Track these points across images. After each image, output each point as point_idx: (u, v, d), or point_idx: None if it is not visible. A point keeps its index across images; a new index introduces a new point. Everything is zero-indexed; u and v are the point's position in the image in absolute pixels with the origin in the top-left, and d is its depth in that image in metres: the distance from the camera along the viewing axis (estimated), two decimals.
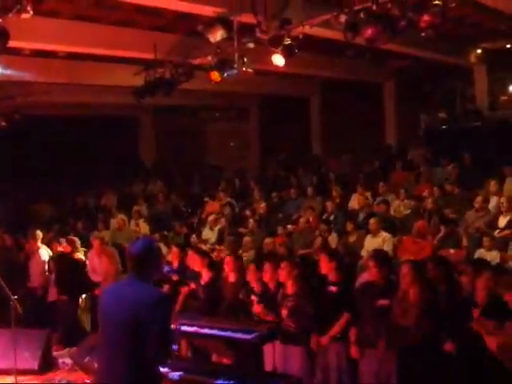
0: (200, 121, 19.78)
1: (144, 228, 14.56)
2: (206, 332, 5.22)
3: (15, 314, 8.00)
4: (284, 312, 6.82)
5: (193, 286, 8.00)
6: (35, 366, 8.86)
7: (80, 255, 11.35)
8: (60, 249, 11.50)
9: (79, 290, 10.97)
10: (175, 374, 4.71)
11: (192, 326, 5.23)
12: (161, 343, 4.12)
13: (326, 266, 6.89)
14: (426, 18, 8.20)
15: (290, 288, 6.97)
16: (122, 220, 14.18)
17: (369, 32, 9.09)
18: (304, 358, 6.74)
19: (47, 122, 17.18)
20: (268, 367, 6.29)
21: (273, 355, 6.45)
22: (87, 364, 8.56)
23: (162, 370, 4.50)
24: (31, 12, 8.35)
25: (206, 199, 15.63)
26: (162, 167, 19.55)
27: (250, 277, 7.52)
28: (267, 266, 7.33)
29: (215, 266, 8.55)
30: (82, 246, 11.75)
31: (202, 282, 7.99)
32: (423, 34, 8.42)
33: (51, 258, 11.77)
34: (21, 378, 8.21)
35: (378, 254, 7.30)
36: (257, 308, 7.18)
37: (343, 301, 6.77)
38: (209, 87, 14.03)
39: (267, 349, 6.30)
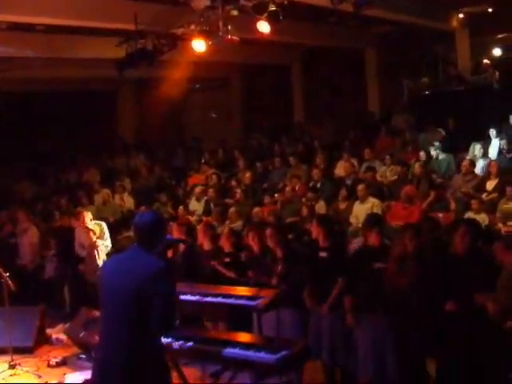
0: (180, 92, 19.53)
1: (129, 202, 14.49)
2: (209, 300, 5.19)
3: (8, 292, 7.93)
4: (275, 277, 6.86)
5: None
6: (30, 343, 8.80)
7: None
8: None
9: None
10: (181, 344, 4.68)
11: (194, 294, 5.21)
12: (164, 315, 4.10)
13: (316, 232, 6.87)
14: None
15: (278, 253, 7.00)
16: (107, 194, 14.10)
17: None
18: (296, 320, 6.78)
19: (26, 98, 16.92)
20: (269, 332, 6.33)
21: (275, 320, 6.50)
22: (82, 339, 8.55)
23: (165, 340, 4.48)
24: None
25: (190, 172, 15.55)
26: (143, 141, 19.37)
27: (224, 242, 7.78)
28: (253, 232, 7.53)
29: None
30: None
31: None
32: None
33: (50, 234, 11.70)
34: (16, 356, 8.14)
35: (373, 218, 7.30)
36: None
37: (336, 266, 6.76)
38: (189, 58, 13.91)
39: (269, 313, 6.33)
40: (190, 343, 4.70)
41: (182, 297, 4.68)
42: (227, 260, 7.61)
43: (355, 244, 8.10)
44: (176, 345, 4.73)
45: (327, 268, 6.68)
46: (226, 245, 7.86)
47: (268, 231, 7.23)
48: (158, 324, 4.09)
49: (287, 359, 4.47)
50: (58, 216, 12.76)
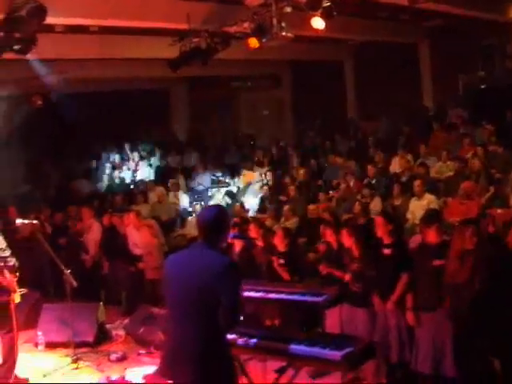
0: (232, 90, 19.61)
1: (183, 199, 14.62)
2: (273, 297, 5.20)
3: (70, 288, 8.08)
4: (348, 275, 6.87)
5: None
6: (91, 338, 8.95)
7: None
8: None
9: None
10: (245, 340, 4.69)
11: (258, 291, 5.22)
12: (230, 311, 4.11)
13: (381, 229, 6.81)
14: None
15: (354, 252, 6.99)
16: (162, 193, 14.24)
17: None
18: (367, 319, 6.77)
19: (82, 99, 17.19)
20: (333, 329, 6.32)
21: (339, 317, 6.48)
22: (141, 335, 8.67)
23: (229, 336, 4.49)
24: None
25: (244, 169, 15.60)
26: (196, 139, 19.50)
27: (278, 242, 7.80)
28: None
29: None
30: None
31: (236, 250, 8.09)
32: None
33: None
34: (78, 351, 8.30)
35: (432, 214, 7.21)
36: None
37: (399, 262, 6.71)
38: (242, 55, 13.96)
39: (333, 311, 6.31)
40: (255, 339, 4.69)
41: (245, 293, 4.67)
42: (282, 261, 7.58)
43: (415, 240, 7.98)
44: (240, 341, 4.73)
45: (391, 265, 6.63)
46: (280, 245, 7.82)
47: (345, 231, 7.21)
48: (224, 320, 4.10)
49: (352, 356, 4.44)
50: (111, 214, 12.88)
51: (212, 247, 4.27)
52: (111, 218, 12.07)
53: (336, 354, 4.39)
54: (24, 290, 7.56)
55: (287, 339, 4.67)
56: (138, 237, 10.91)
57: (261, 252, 8.12)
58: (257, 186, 13.51)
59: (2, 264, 7.28)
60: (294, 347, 4.55)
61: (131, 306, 10.36)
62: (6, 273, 7.29)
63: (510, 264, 6.15)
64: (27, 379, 7.68)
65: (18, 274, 7.45)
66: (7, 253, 7.36)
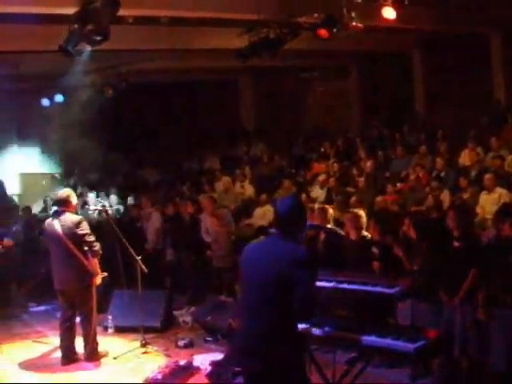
0: (299, 81, 19.56)
1: (249, 189, 14.69)
2: (345, 287, 5.19)
3: (141, 274, 8.26)
4: (415, 268, 6.79)
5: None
6: (158, 324, 9.14)
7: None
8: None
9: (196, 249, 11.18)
10: (320, 330, 4.70)
11: (330, 281, 5.22)
12: (305, 302, 4.12)
13: (452, 222, 6.70)
14: None
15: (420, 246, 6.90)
16: (228, 182, 14.35)
17: None
18: (431, 313, 6.67)
19: (151, 89, 17.48)
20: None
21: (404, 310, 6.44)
22: (209, 322, 8.79)
23: (300, 325, 4.51)
24: None
25: (311, 160, 15.56)
26: (263, 130, 19.55)
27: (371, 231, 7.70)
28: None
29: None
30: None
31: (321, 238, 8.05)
32: None
33: (169, 220, 12.09)
34: (147, 336, 8.48)
35: (506, 209, 7.07)
36: (375, 264, 7.32)
37: (470, 257, 6.58)
38: (309, 46, 13.89)
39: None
40: (324, 329, 4.69)
41: (317, 283, 4.66)
42: (375, 250, 7.51)
43: (488, 234, 7.83)
44: (312, 330, 4.74)
45: (460, 259, 6.51)
46: (373, 234, 7.78)
47: (408, 222, 7.17)
48: (299, 311, 4.12)
49: (425, 349, 4.39)
50: (177, 202, 13.02)
51: (288, 237, 4.28)
52: (176, 205, 12.24)
53: (409, 347, 4.35)
54: (105, 274, 7.85)
55: (358, 330, 4.65)
56: (209, 224, 11.03)
57: (351, 244, 8.03)
58: (323, 177, 13.44)
59: (87, 248, 7.64)
60: (366, 338, 4.52)
61: (196, 295, 10.52)
62: (91, 257, 7.66)
63: None
64: (107, 352, 8.06)
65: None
66: (92, 238, 7.70)
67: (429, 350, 4.52)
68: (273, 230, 4.47)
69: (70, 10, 9.22)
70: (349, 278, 5.30)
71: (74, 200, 8.06)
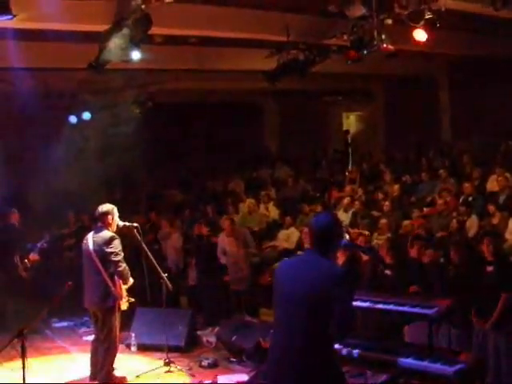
0: (324, 105, 19.55)
1: (273, 211, 14.63)
2: (381, 307, 5.08)
3: (166, 292, 8.18)
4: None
5: None
6: (182, 343, 9.07)
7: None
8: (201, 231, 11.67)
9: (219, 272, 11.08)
10: (349, 351, 4.60)
11: (365, 301, 5.12)
12: (341, 322, 4.05)
13: (487, 248, 6.62)
14: None
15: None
16: (252, 204, 14.29)
17: None
18: (463, 337, 6.56)
19: (175, 109, 17.52)
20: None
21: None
22: (234, 343, 8.69)
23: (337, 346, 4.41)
24: None
25: (335, 184, 15.50)
26: (287, 152, 19.53)
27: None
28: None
29: None
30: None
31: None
32: None
33: (191, 241, 12.02)
34: (170, 355, 8.39)
35: None
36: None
37: (502, 281, 6.48)
38: (335, 69, 13.88)
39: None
40: (358, 351, 4.59)
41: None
42: (388, 272, 7.47)
43: None
44: (343, 351, 4.64)
45: (493, 283, 6.40)
46: (386, 256, 7.73)
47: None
48: (336, 330, 4.05)
49: (464, 373, 4.28)
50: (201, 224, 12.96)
51: (324, 255, 4.22)
52: (201, 227, 12.18)
53: (448, 370, 4.24)
54: (132, 300, 7.62)
55: (392, 351, 4.54)
56: (228, 244, 10.95)
57: (365, 262, 8.01)
58: (347, 200, 13.36)
59: (112, 269, 7.42)
60: (403, 360, 4.41)
61: (212, 317, 10.44)
62: (116, 278, 7.42)
63: None
64: (125, 378, 7.82)
65: (130, 281, 7.51)
66: (118, 257, 7.43)
67: (468, 374, 4.41)
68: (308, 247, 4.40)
69: (102, 28, 9.26)
70: (385, 299, 5.20)
71: (114, 217, 7.73)
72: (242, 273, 10.81)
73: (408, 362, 4.39)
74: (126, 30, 9.00)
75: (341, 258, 7.72)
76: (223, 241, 11.16)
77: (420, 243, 8.33)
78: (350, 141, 18.87)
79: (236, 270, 10.78)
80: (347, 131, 19.73)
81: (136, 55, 9.58)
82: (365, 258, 7.76)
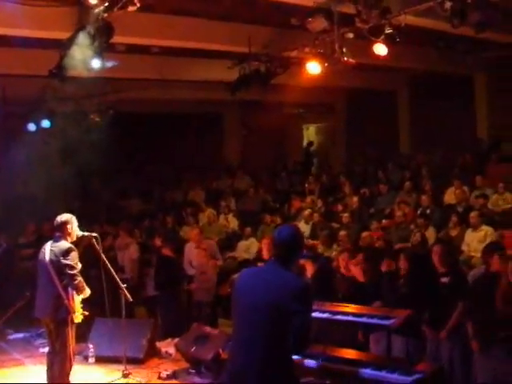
0: (285, 116, 19.67)
1: (233, 222, 14.65)
2: (340, 318, 5.12)
3: (126, 303, 8.09)
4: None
5: None
6: (141, 354, 8.96)
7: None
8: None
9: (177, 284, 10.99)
10: (314, 362, 4.62)
11: (323, 312, 5.15)
12: (300, 335, 4.07)
13: (439, 258, 6.72)
14: None
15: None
16: (213, 214, 14.29)
17: (477, 17, 8.90)
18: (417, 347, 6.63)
19: (136, 119, 17.42)
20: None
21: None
22: (193, 354, 8.63)
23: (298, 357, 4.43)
24: (138, 4, 8.51)
25: (295, 195, 15.57)
26: (247, 163, 19.57)
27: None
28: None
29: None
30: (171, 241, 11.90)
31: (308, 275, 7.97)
32: None
33: (151, 253, 11.93)
34: (129, 366, 8.30)
35: (493, 245, 7.15)
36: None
37: (457, 291, 6.59)
38: (299, 82, 13.97)
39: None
40: (319, 361, 4.62)
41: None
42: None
43: (477, 271, 7.84)
44: (305, 362, 4.66)
45: (447, 294, 6.50)
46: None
47: (402, 257, 7.20)
48: (294, 342, 4.06)
49: (422, 382, 4.34)
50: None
51: (286, 267, 4.23)
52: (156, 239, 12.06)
53: (406, 380, 4.29)
54: (86, 313, 7.47)
55: (352, 362, 4.58)
56: (195, 256, 10.91)
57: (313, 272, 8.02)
58: (308, 212, 13.43)
59: (68, 280, 7.23)
60: (362, 371, 4.45)
61: (171, 328, 10.31)
62: (70, 291, 7.25)
63: None
64: None
65: (86, 292, 7.36)
66: (74, 271, 7.23)
67: (425, 383, 4.47)
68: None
69: (64, 35, 9.18)
70: (344, 310, 5.25)
71: (73, 226, 7.50)
72: (209, 284, 10.76)
73: (367, 372, 4.44)
74: (87, 38, 8.96)
75: (309, 270, 7.82)
76: (191, 252, 11.13)
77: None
78: (311, 152, 19.02)
79: (203, 281, 10.73)
80: (311, 143, 19.89)
81: (97, 63, 9.54)
82: (310, 267, 7.71)
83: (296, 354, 4.39)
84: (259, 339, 4.10)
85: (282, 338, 4.07)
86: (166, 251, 10.98)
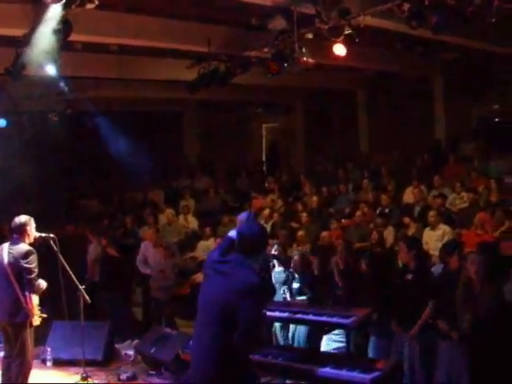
0: (244, 115, 19.68)
1: (193, 222, 14.59)
2: (300, 317, 5.13)
3: (84, 305, 7.97)
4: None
5: None
6: (99, 356, 8.86)
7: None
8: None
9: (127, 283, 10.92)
10: (269, 360, 4.61)
11: (284, 311, 5.15)
12: (245, 331, 4.06)
13: (404, 255, 6.77)
14: (496, 2, 8.04)
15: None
16: (172, 214, 14.19)
17: (434, 19, 9.01)
18: (382, 345, 6.68)
19: (95, 117, 17.22)
20: None
21: None
22: (152, 355, 8.57)
23: (258, 357, 4.42)
24: (96, 2, 8.41)
25: (254, 194, 15.56)
26: (207, 163, 19.52)
27: None
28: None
29: None
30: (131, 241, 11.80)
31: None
32: (493, 21, 8.27)
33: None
34: (88, 369, 8.19)
35: (452, 244, 7.26)
36: None
37: (424, 289, 6.64)
38: (259, 81, 14.01)
39: None
40: (279, 360, 4.62)
41: (270, 313, 4.59)
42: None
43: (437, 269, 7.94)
44: (262, 361, 4.65)
45: (413, 291, 6.56)
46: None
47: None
48: (239, 339, 4.05)
49: (380, 380, 4.37)
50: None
51: (248, 259, 4.23)
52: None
53: (364, 378, 4.32)
54: (45, 315, 7.35)
55: (312, 360, 4.59)
56: (152, 255, 10.83)
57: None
58: (267, 212, 13.43)
59: (26, 283, 7.05)
60: (321, 370, 4.47)
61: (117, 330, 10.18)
62: (28, 294, 7.09)
63: None
64: None
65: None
66: (33, 275, 7.10)
67: (383, 380, 4.50)
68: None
69: (20, 32, 9.02)
70: (304, 309, 5.26)
71: (31, 228, 7.35)
72: (167, 282, 10.68)
73: (326, 371, 4.45)
74: (44, 36, 8.83)
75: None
76: (147, 251, 11.04)
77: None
78: (275, 152, 19.05)
79: (161, 279, 10.64)
80: (276, 142, 19.92)
81: (54, 61, 9.40)
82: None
83: (246, 352, 4.35)
84: (212, 338, 4.12)
85: (230, 336, 4.06)
86: (111, 251, 10.96)
